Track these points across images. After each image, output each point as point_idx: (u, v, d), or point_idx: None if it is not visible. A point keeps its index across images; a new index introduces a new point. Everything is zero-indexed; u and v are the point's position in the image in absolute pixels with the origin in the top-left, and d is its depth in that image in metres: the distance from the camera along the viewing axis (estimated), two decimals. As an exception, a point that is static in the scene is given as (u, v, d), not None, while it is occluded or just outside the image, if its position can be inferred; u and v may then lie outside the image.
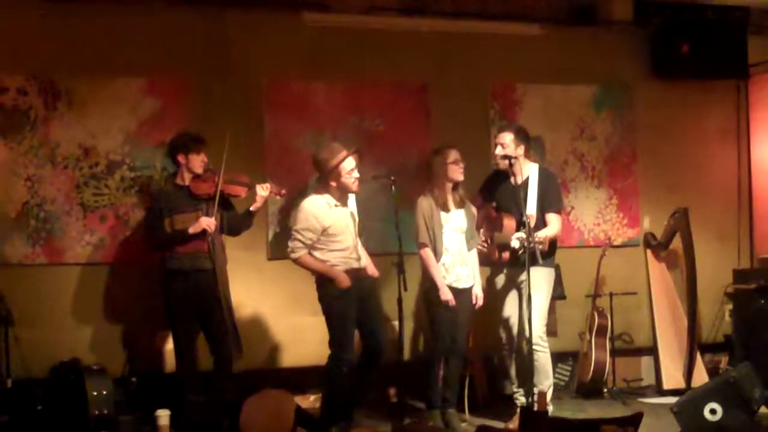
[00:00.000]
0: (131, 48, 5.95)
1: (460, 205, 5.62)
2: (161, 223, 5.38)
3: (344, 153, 5.19)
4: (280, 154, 6.25)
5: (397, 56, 6.45)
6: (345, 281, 5.18)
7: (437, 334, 5.57)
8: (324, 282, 5.25)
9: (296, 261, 5.24)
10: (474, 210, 5.78)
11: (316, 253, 5.22)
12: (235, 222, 5.58)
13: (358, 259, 5.34)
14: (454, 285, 5.52)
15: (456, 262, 5.55)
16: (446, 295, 5.45)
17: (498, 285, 5.66)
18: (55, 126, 5.86)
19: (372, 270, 5.47)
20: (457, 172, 5.56)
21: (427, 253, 5.50)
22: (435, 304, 5.50)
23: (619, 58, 6.93)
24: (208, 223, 5.32)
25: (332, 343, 5.25)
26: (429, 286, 5.53)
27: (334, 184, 5.21)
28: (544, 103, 6.79)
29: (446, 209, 5.56)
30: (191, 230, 5.32)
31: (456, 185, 5.60)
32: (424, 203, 5.55)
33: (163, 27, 6.01)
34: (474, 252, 5.67)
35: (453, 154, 5.56)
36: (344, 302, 5.20)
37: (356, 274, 5.27)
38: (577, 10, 6.80)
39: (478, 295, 5.63)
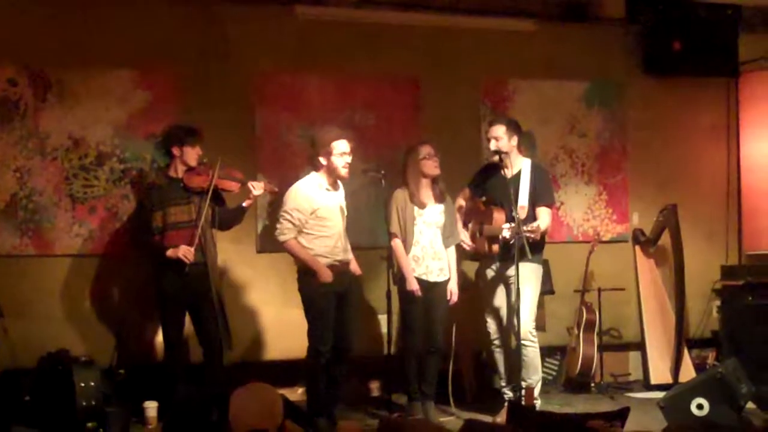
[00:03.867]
0: (122, 40, 5.92)
1: (439, 199, 5.62)
2: (149, 221, 5.38)
3: (339, 132, 5.22)
4: (271, 147, 6.24)
5: (389, 50, 6.45)
6: (327, 276, 5.19)
7: (408, 327, 5.60)
8: (306, 274, 5.25)
9: (284, 244, 5.23)
10: (462, 201, 5.78)
11: (303, 240, 5.22)
12: (227, 217, 5.57)
13: (345, 249, 5.36)
14: (423, 277, 5.54)
15: (427, 255, 5.57)
16: (412, 285, 5.47)
17: (486, 279, 5.67)
18: (45, 117, 5.84)
19: (355, 267, 5.48)
20: (431, 167, 5.56)
21: (397, 243, 5.52)
22: (405, 296, 5.53)
23: (610, 54, 6.94)
24: (185, 252, 5.28)
25: (311, 335, 5.28)
26: (400, 277, 5.54)
27: (324, 162, 5.22)
28: (535, 98, 6.80)
29: (421, 205, 5.56)
30: (168, 253, 5.30)
31: (435, 180, 5.61)
32: (400, 195, 5.58)
33: (154, 19, 5.99)
34: (452, 249, 5.68)
35: (425, 150, 5.57)
36: (325, 296, 5.22)
37: (338, 268, 5.28)
38: (569, 6, 6.81)
39: (453, 291, 5.63)
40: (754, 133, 7.15)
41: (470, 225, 5.74)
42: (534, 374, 5.50)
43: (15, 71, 5.79)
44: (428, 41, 6.54)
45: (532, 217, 5.44)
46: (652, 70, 6.94)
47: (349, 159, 5.26)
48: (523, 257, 5.19)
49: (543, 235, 5.49)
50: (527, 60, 6.74)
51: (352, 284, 5.44)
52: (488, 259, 5.62)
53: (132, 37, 5.94)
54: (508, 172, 5.46)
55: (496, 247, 5.47)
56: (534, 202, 5.49)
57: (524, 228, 5.18)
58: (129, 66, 5.96)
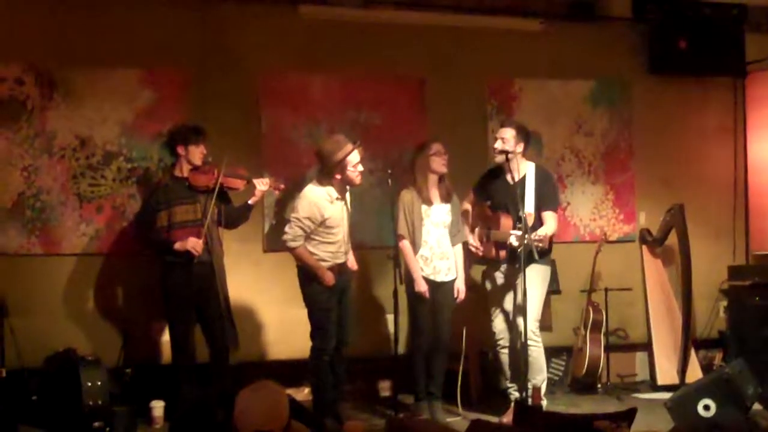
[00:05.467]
0: (128, 39, 5.93)
1: (446, 199, 5.63)
2: (153, 219, 5.38)
3: (350, 146, 5.20)
4: (276, 146, 6.24)
5: (394, 50, 6.44)
6: (330, 280, 5.24)
7: (417, 327, 5.60)
8: (308, 276, 5.28)
9: (293, 250, 5.24)
10: (468, 206, 5.78)
11: (308, 246, 5.25)
12: (233, 215, 5.59)
13: (346, 252, 5.39)
14: (431, 278, 5.55)
15: (435, 255, 5.57)
16: (421, 287, 5.48)
17: (494, 281, 5.66)
18: (51, 116, 5.85)
19: (351, 263, 5.50)
20: (439, 164, 5.57)
21: (405, 244, 5.52)
22: (414, 296, 5.53)
23: (617, 54, 6.93)
24: (194, 245, 5.30)
25: (314, 335, 5.32)
26: (408, 278, 5.54)
27: (338, 177, 5.23)
28: (541, 98, 6.79)
29: (429, 203, 5.56)
30: (177, 246, 5.32)
31: (442, 178, 5.61)
32: (407, 196, 5.57)
33: (160, 19, 6.00)
34: (459, 247, 5.68)
35: (435, 147, 5.58)
36: (328, 296, 5.27)
37: (338, 268, 5.31)
38: (575, 5, 6.80)
39: (460, 289, 5.64)
40: (761, 133, 7.13)
41: (477, 229, 5.73)
42: (539, 374, 5.49)
43: (21, 71, 5.80)
44: (433, 41, 6.53)
45: (537, 222, 5.43)
46: (659, 69, 6.93)
47: (361, 168, 5.28)
48: (531, 261, 5.20)
49: (550, 238, 5.49)
50: (533, 59, 6.73)
51: (349, 280, 5.47)
52: (495, 263, 5.61)
53: (138, 37, 5.95)
54: (513, 177, 5.47)
55: (503, 253, 5.48)
56: (539, 207, 5.49)
57: (531, 236, 5.17)
58: (135, 65, 5.97)
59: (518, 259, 5.28)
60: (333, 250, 5.29)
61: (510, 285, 5.56)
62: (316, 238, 5.25)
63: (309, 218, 5.19)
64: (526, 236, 5.17)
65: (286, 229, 5.26)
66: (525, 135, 5.56)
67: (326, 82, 6.36)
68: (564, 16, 6.78)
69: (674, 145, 7.06)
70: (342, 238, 5.32)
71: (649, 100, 7.01)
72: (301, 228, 5.19)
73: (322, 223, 5.21)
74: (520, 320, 5.35)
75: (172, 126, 5.73)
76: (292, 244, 5.23)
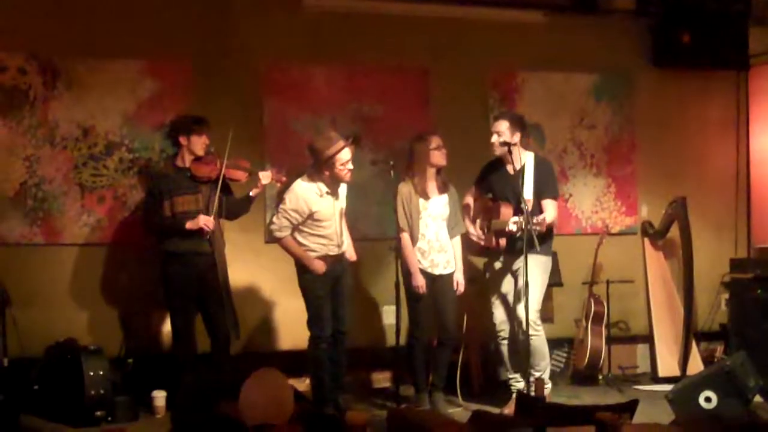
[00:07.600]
0: (131, 29, 5.92)
1: (443, 190, 5.62)
2: (160, 207, 5.38)
3: (341, 144, 5.20)
4: (279, 137, 6.24)
5: (397, 41, 6.43)
6: (319, 269, 5.28)
7: (414, 320, 5.61)
8: (302, 266, 5.32)
9: (279, 240, 5.30)
10: (470, 199, 5.78)
11: (298, 237, 5.29)
12: (234, 206, 5.58)
13: (339, 245, 5.39)
14: (429, 271, 5.55)
15: (433, 249, 5.57)
16: (417, 281, 5.48)
17: (494, 271, 5.66)
18: (54, 106, 5.85)
19: (350, 254, 5.52)
20: (439, 158, 5.57)
21: (405, 238, 5.52)
22: (411, 291, 5.54)
23: (620, 47, 6.91)
24: (206, 221, 5.31)
25: (310, 323, 5.34)
26: (406, 272, 5.54)
27: (327, 173, 5.24)
28: (544, 91, 6.78)
29: (426, 196, 5.56)
30: (188, 225, 5.32)
31: (439, 170, 5.60)
32: (404, 189, 5.57)
33: (163, 9, 5.99)
34: (457, 239, 5.68)
35: (435, 140, 5.57)
36: (320, 284, 5.30)
37: (331, 258, 5.34)
38: (579, -2, 6.80)
39: (460, 282, 5.64)
40: (763, 126, 7.12)
41: (479, 221, 5.72)
42: (542, 360, 5.49)
43: (24, 60, 5.80)
44: (437, 32, 6.52)
45: (537, 210, 5.43)
46: (662, 62, 6.91)
47: (351, 166, 5.28)
48: (531, 248, 5.18)
49: (550, 227, 5.48)
50: (536, 52, 6.71)
51: (344, 269, 5.47)
52: (496, 254, 5.61)
53: (141, 27, 5.94)
54: (512, 168, 5.47)
55: (503, 241, 5.48)
56: (539, 195, 5.48)
57: (531, 221, 5.17)
58: (138, 56, 5.96)
59: (518, 248, 5.27)
60: (324, 242, 5.32)
61: (510, 275, 5.56)
62: (306, 229, 5.29)
63: (295, 210, 5.23)
64: (527, 221, 5.16)
65: (273, 219, 5.34)
66: (519, 124, 5.53)
67: (329, 73, 6.35)
68: (567, 9, 6.76)
69: (676, 138, 7.05)
70: (334, 231, 5.34)
71: (652, 93, 7.00)
72: (288, 219, 5.24)
73: (310, 216, 5.25)
74: (520, 310, 5.36)
75: (174, 116, 5.73)
76: (278, 234, 5.29)
